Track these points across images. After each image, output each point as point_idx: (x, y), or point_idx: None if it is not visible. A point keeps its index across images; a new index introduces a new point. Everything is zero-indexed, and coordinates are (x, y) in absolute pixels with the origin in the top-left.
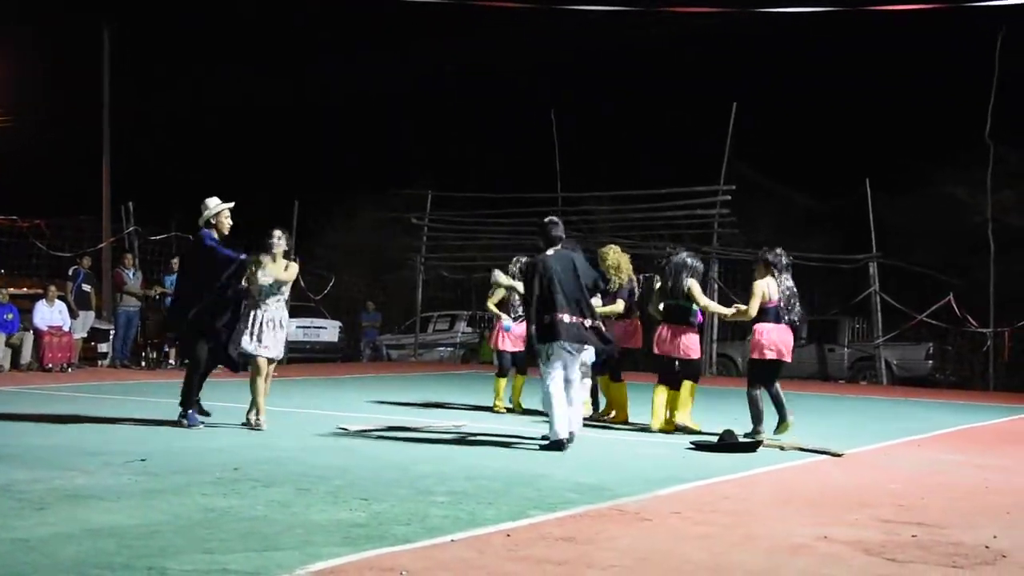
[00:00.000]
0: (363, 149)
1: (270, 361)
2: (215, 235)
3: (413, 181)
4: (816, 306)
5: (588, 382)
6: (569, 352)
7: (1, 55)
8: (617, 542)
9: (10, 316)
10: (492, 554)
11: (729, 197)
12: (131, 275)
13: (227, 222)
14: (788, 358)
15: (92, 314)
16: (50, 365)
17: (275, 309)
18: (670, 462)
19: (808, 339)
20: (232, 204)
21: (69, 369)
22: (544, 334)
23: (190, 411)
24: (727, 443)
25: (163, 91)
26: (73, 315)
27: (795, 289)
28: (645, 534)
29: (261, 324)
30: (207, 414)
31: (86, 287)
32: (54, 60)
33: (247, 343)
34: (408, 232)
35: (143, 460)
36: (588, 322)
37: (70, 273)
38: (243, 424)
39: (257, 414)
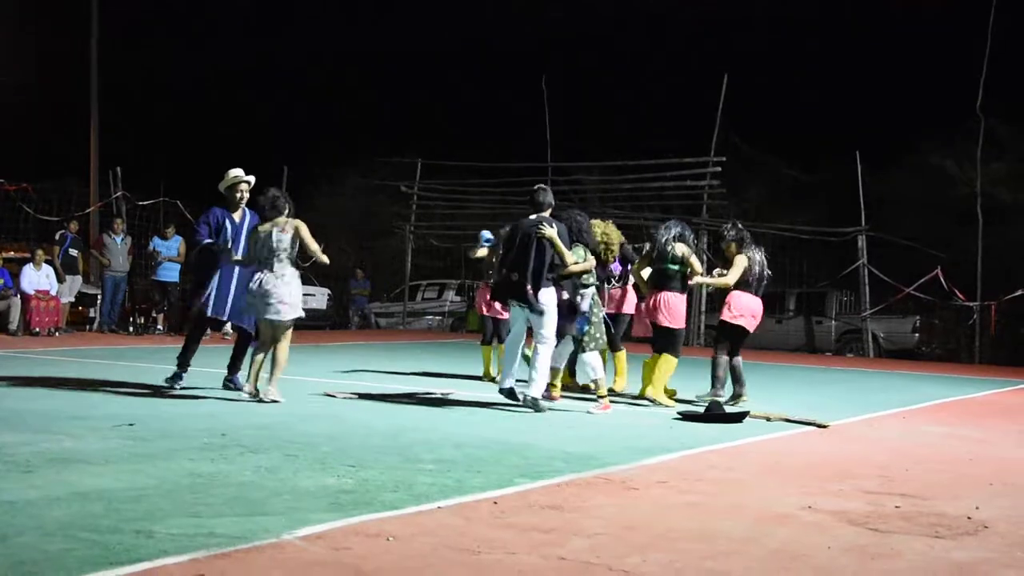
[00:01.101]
0: (353, 116)
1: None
2: (219, 209)
3: (403, 149)
4: (804, 279)
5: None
6: (519, 308)
7: None
8: (603, 510)
9: (0, 280)
10: (479, 521)
11: (719, 169)
12: (119, 241)
13: (240, 195)
14: (753, 329)
15: (79, 279)
16: (37, 329)
17: (284, 270)
18: (657, 432)
19: (796, 311)
20: (252, 179)
21: (56, 333)
22: (501, 291)
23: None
24: (714, 413)
25: (151, 56)
26: (60, 279)
27: (765, 263)
28: (631, 503)
29: (269, 284)
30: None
31: (73, 252)
32: (42, 22)
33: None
34: (397, 200)
35: (131, 425)
36: (527, 283)
37: (57, 237)
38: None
39: (267, 383)
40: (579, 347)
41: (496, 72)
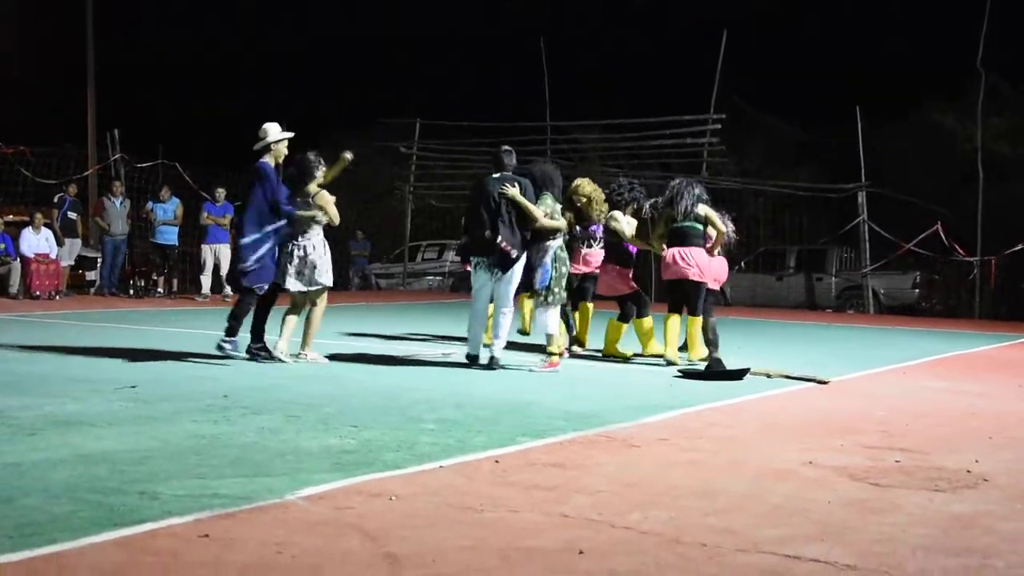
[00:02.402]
0: (351, 77)
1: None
2: (272, 163)
3: (402, 110)
4: (804, 235)
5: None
6: (485, 269)
7: None
8: (605, 468)
9: (1, 245)
10: (481, 480)
11: (719, 126)
12: (118, 203)
13: (284, 151)
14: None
15: (79, 242)
16: (37, 293)
17: (315, 235)
18: (658, 390)
19: (796, 268)
20: (292, 134)
21: (57, 297)
22: (467, 248)
23: (256, 345)
24: (715, 371)
25: (149, 18)
26: (59, 243)
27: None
28: (632, 460)
29: (303, 251)
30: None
31: (72, 215)
32: None
33: (284, 277)
34: (397, 161)
35: (134, 387)
36: (502, 242)
37: (55, 200)
38: (296, 357)
39: (304, 346)
40: (538, 301)
41: (494, 31)
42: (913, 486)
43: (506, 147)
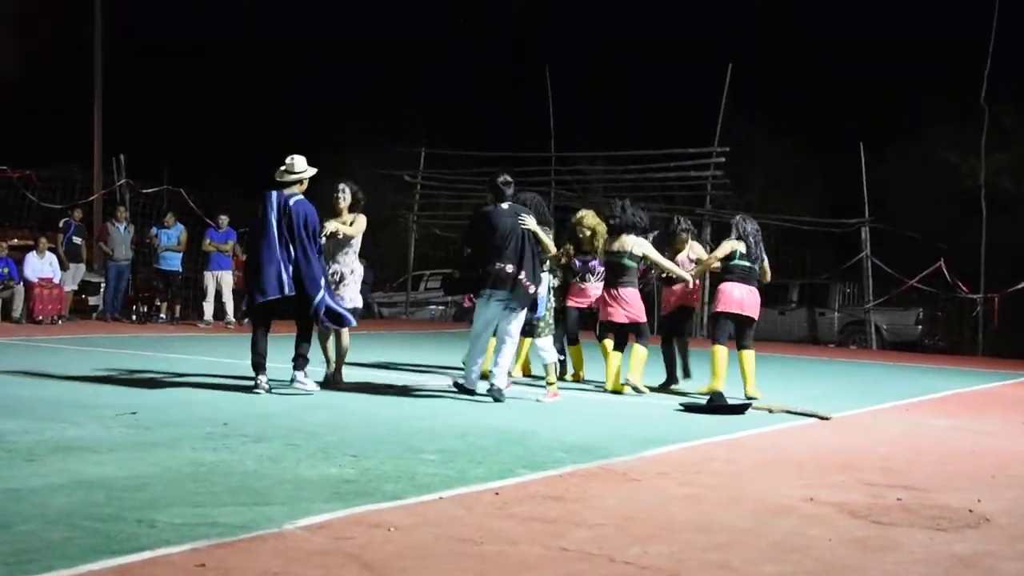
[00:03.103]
0: (356, 104)
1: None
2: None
3: (406, 138)
4: (807, 270)
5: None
6: (499, 302)
7: None
8: (604, 501)
9: (6, 270)
10: (480, 511)
11: (723, 159)
12: (122, 229)
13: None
14: None
15: (83, 266)
16: (40, 317)
17: (345, 263)
18: (659, 423)
19: (798, 303)
20: (315, 171)
21: (59, 321)
22: (480, 281)
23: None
24: (716, 405)
25: (154, 43)
26: (63, 267)
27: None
28: (632, 494)
29: (338, 277)
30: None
31: (77, 239)
32: (45, 10)
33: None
34: (401, 189)
35: (134, 413)
36: (524, 278)
37: (61, 225)
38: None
39: (333, 370)
40: (533, 332)
41: (499, 61)
42: (915, 524)
43: (506, 177)
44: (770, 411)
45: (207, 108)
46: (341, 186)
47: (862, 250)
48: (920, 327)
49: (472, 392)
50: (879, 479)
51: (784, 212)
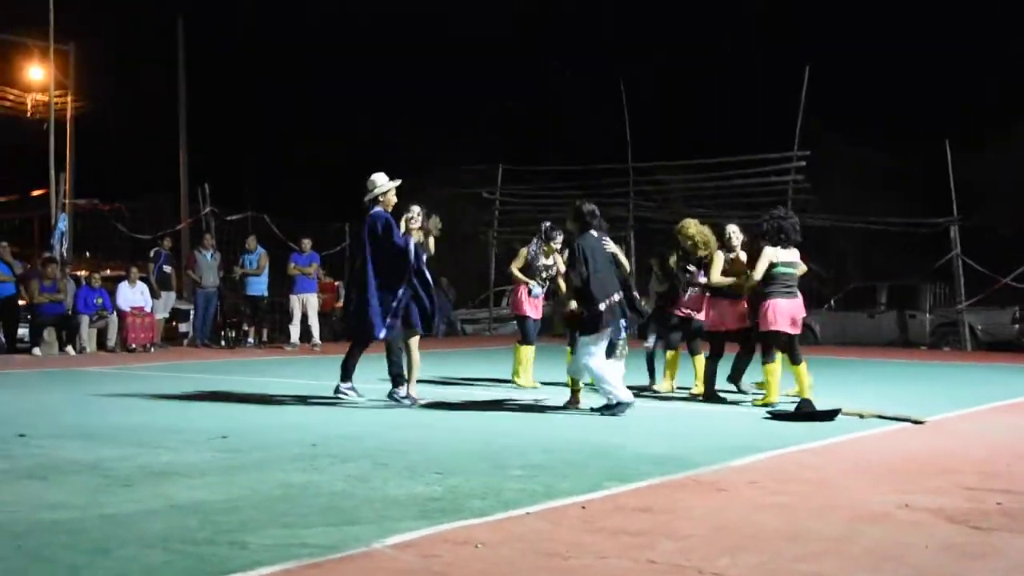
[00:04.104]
0: (433, 126)
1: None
2: (386, 212)
3: (484, 156)
4: (896, 271)
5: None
6: (613, 328)
7: (79, 40)
8: (693, 512)
9: (99, 300)
10: (567, 526)
11: (803, 163)
12: (209, 256)
13: (393, 199)
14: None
15: (173, 294)
16: (133, 345)
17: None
18: (746, 432)
19: (888, 305)
20: (399, 182)
21: (152, 349)
22: (597, 321)
23: (347, 383)
24: (804, 412)
25: (238, 73)
26: (155, 295)
27: None
28: (721, 504)
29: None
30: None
31: (167, 268)
32: (130, 45)
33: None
34: (480, 207)
35: (224, 437)
36: (620, 297)
37: (151, 255)
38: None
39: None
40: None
41: (575, 73)
42: (1016, 529)
43: (593, 207)
44: (861, 416)
45: (287, 137)
46: (413, 207)
47: (952, 249)
48: (1017, 326)
49: (624, 408)
50: (977, 483)
51: (870, 213)
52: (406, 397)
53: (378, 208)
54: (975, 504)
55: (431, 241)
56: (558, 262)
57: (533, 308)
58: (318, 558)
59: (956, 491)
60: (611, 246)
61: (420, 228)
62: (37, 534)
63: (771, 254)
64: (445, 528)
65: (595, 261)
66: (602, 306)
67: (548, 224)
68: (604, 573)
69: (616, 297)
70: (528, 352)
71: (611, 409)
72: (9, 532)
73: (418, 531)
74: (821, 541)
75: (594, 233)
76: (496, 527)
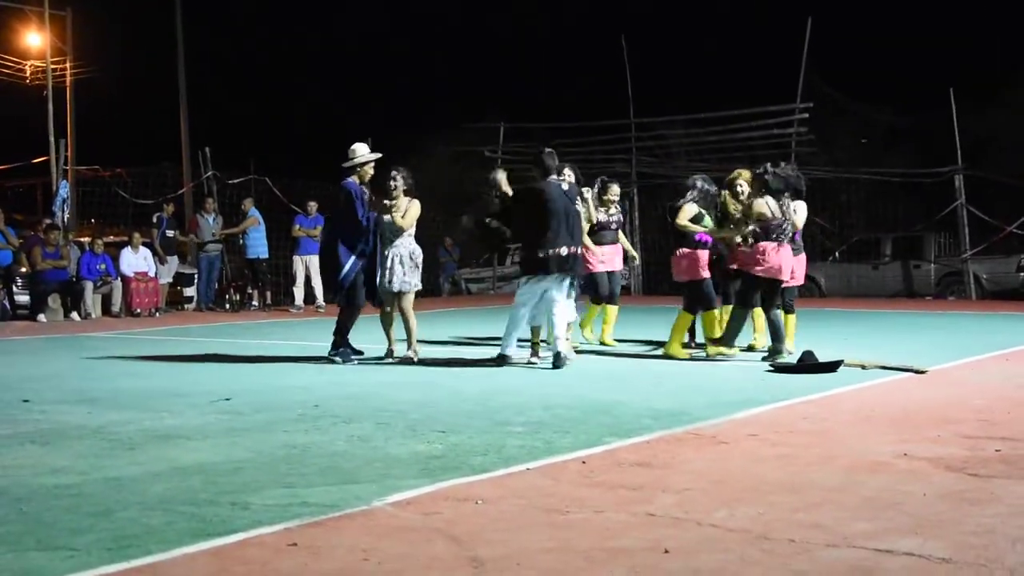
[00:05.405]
0: (433, 85)
1: (398, 295)
2: (357, 182)
3: (484, 114)
4: (900, 222)
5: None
6: (555, 278)
7: (76, 5)
8: (692, 465)
9: (103, 266)
10: (567, 481)
11: (807, 115)
12: (211, 220)
13: (370, 171)
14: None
15: (177, 259)
16: (138, 310)
17: (402, 245)
18: (747, 385)
19: (892, 256)
20: (379, 155)
21: (156, 314)
22: (537, 266)
23: (342, 349)
24: (806, 364)
25: (237, 36)
26: (162, 261)
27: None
28: (721, 457)
29: (390, 261)
30: (359, 352)
31: (170, 233)
32: (127, 10)
33: (379, 280)
34: (482, 165)
35: (228, 400)
36: (577, 250)
37: (154, 220)
38: (399, 360)
39: (408, 347)
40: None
41: (575, 30)
42: (1014, 476)
43: (549, 150)
44: (863, 367)
45: (289, 99)
46: (393, 173)
47: (957, 199)
48: (1022, 274)
49: (509, 361)
50: (976, 432)
51: (873, 165)
52: (336, 354)
53: (352, 178)
54: (974, 452)
55: (414, 207)
56: (616, 214)
57: (602, 262)
58: (318, 516)
59: (955, 440)
60: (572, 191)
61: (405, 193)
62: (39, 498)
63: (761, 205)
64: (446, 485)
65: (542, 210)
66: (541, 253)
67: (604, 178)
68: (602, 527)
69: (564, 251)
70: (610, 311)
71: (497, 361)
72: (11, 496)
73: (419, 489)
74: (819, 491)
75: (554, 178)
76: (496, 483)
